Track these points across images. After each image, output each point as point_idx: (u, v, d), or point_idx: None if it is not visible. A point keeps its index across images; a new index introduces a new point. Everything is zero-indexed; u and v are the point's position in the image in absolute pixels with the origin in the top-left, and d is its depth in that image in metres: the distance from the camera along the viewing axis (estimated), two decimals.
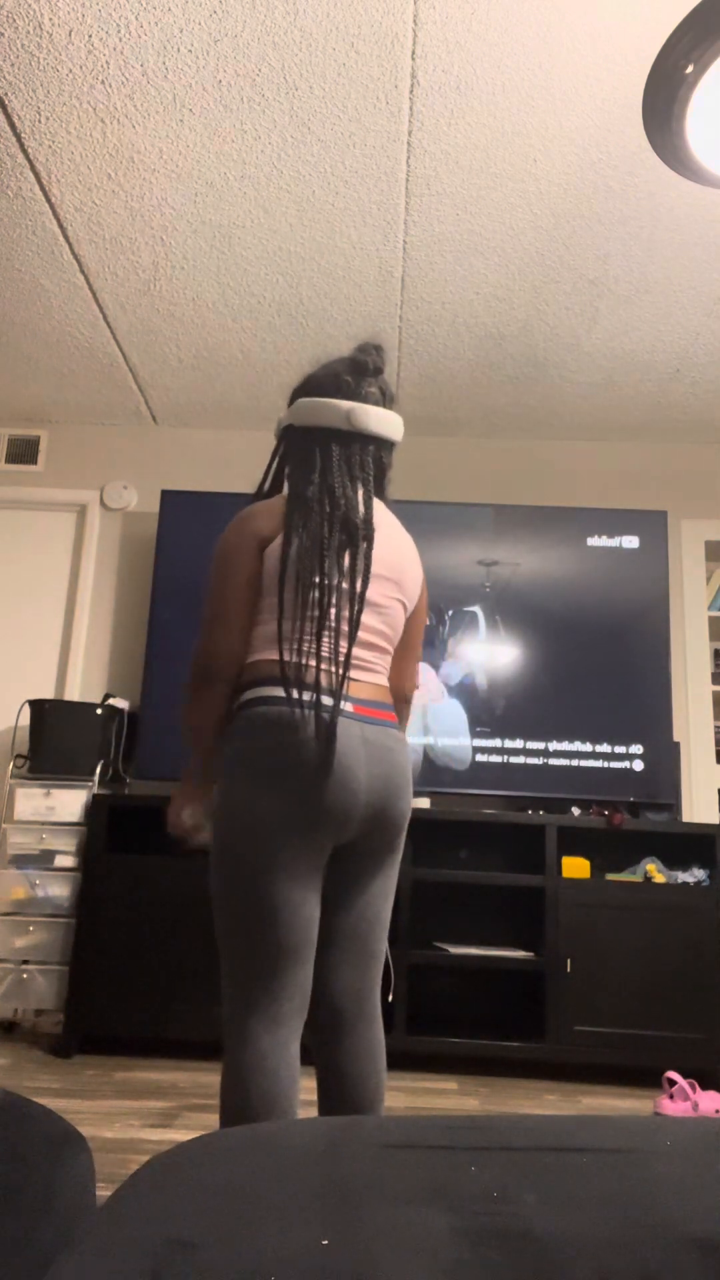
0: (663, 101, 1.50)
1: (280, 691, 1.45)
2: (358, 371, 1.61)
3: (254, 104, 2.29)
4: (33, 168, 2.52)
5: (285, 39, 2.11)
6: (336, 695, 1.44)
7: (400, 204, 2.61)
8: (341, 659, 1.48)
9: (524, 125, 2.32)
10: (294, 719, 1.42)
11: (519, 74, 2.17)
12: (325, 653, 1.48)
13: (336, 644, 1.48)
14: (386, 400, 1.62)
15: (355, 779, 1.43)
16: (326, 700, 1.44)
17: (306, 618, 1.47)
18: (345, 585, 1.50)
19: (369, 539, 1.52)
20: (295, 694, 1.43)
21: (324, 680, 1.46)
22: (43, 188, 2.59)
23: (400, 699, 1.70)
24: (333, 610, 1.49)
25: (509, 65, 2.15)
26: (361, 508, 1.54)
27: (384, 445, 1.62)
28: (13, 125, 2.38)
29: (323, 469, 1.54)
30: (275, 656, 1.48)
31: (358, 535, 1.51)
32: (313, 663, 1.46)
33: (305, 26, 2.08)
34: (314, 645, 1.47)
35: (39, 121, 2.36)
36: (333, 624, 1.48)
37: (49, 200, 2.64)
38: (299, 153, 2.44)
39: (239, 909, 1.41)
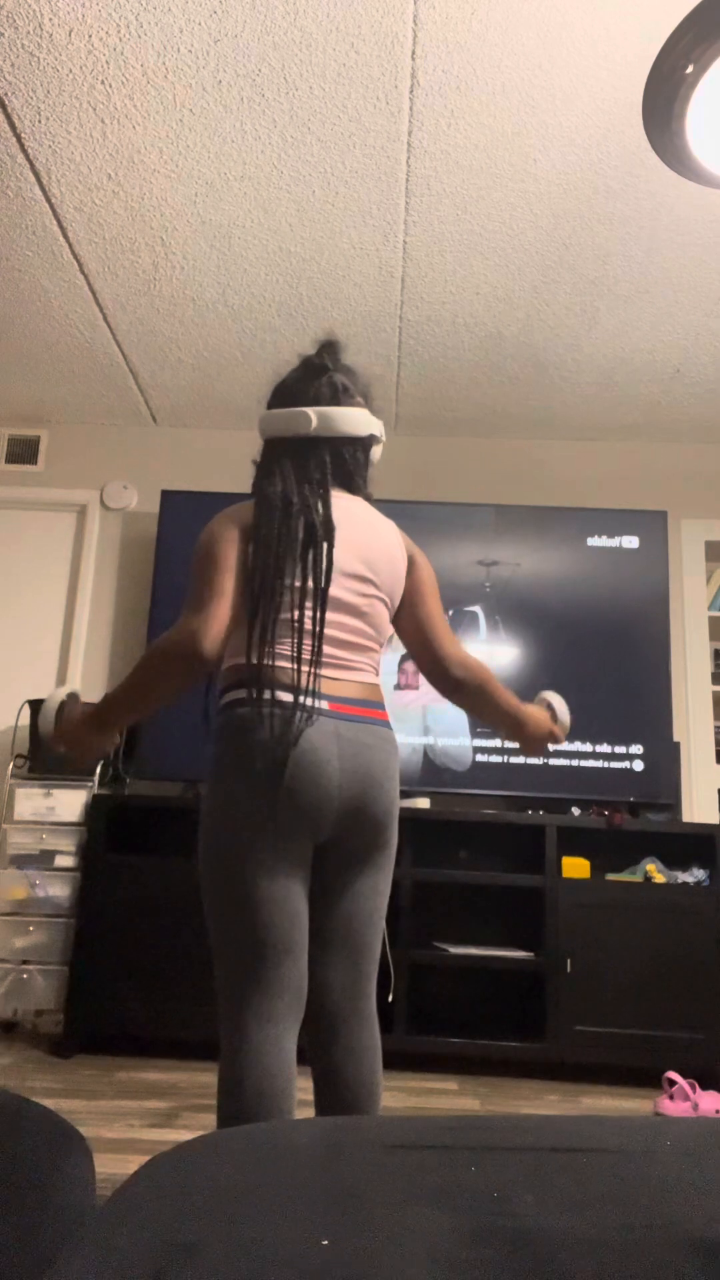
0: (663, 101, 1.50)
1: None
2: (310, 374, 1.63)
3: (254, 104, 2.29)
4: (33, 168, 2.52)
5: (285, 39, 2.11)
6: (306, 694, 1.46)
7: (400, 204, 2.61)
8: (308, 658, 1.49)
9: (524, 125, 2.32)
10: (265, 719, 1.44)
11: (519, 74, 2.17)
12: (295, 653, 1.49)
13: (301, 643, 1.49)
14: (344, 395, 1.62)
15: (326, 776, 1.44)
16: (300, 700, 1.46)
17: (273, 621, 1.49)
18: (311, 585, 1.51)
19: (329, 539, 1.52)
20: (268, 695, 1.45)
21: (300, 680, 1.47)
22: (43, 188, 2.59)
23: (477, 683, 1.66)
24: (297, 611, 1.50)
25: (509, 65, 2.15)
26: (321, 508, 1.54)
27: (349, 442, 1.62)
28: (13, 125, 2.38)
29: (282, 475, 1.57)
30: (250, 660, 1.49)
31: (317, 535, 1.52)
32: (286, 664, 1.48)
33: (305, 26, 2.08)
34: (290, 647, 1.48)
35: (39, 121, 2.36)
36: (297, 624, 1.49)
37: (49, 200, 2.64)
38: (299, 153, 2.44)
39: (225, 907, 1.43)
